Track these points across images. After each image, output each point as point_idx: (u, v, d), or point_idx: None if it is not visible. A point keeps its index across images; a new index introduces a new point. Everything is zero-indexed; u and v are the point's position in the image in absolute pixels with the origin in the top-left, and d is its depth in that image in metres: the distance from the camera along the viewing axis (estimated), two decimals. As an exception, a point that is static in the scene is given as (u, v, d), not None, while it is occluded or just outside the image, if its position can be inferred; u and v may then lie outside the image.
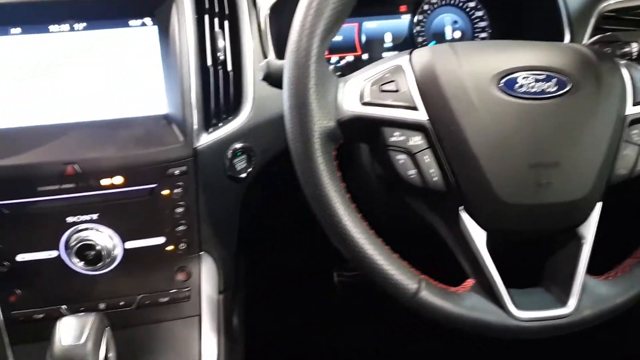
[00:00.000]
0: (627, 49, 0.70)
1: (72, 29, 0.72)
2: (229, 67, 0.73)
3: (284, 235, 1.12)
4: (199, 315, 0.76)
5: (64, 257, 0.70)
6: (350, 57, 0.89)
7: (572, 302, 0.55)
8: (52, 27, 0.71)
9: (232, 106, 0.73)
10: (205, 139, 0.71)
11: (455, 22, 0.90)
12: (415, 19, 0.89)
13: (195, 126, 0.70)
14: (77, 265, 0.70)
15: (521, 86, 0.53)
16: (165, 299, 0.75)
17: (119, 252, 0.72)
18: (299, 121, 0.52)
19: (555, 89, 0.53)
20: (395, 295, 0.54)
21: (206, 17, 0.72)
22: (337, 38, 0.89)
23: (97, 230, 0.70)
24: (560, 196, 0.54)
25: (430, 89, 0.53)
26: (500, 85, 0.53)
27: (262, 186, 0.80)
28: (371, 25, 0.89)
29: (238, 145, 0.73)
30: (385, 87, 0.54)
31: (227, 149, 0.73)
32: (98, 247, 0.69)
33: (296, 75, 0.52)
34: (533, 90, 0.52)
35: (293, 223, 1.09)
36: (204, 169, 0.72)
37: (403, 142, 0.53)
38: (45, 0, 0.69)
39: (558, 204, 0.54)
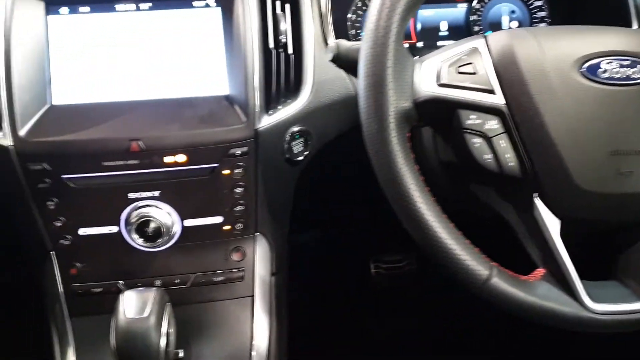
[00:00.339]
0: None
1: (137, 9, 0.73)
2: (290, 50, 0.74)
3: (328, 221, 1.12)
4: (252, 296, 0.77)
5: (124, 232, 0.72)
6: (405, 45, 0.88)
7: None
8: (118, 6, 0.72)
9: (292, 89, 0.74)
10: (266, 121, 0.71)
11: (513, 11, 0.89)
12: (472, 8, 0.88)
13: (258, 108, 0.71)
14: (137, 241, 0.71)
15: (605, 71, 0.52)
16: (220, 279, 0.76)
17: (177, 230, 0.72)
18: (375, 100, 0.52)
19: None
20: (465, 281, 0.53)
21: (268, 0, 0.73)
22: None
23: (157, 207, 0.71)
24: None
25: (508, 72, 0.53)
26: (582, 70, 0.52)
27: (315, 171, 0.80)
28: (427, 13, 0.89)
29: (296, 129, 0.74)
30: (463, 69, 0.53)
31: (286, 131, 0.73)
32: (158, 224, 0.70)
33: (374, 53, 0.52)
34: (617, 76, 0.52)
35: (338, 209, 1.10)
36: (264, 150, 0.72)
37: (479, 126, 0.53)
38: None
39: (638, 194, 0.53)
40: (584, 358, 1.13)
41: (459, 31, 0.89)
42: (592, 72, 0.52)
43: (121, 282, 0.75)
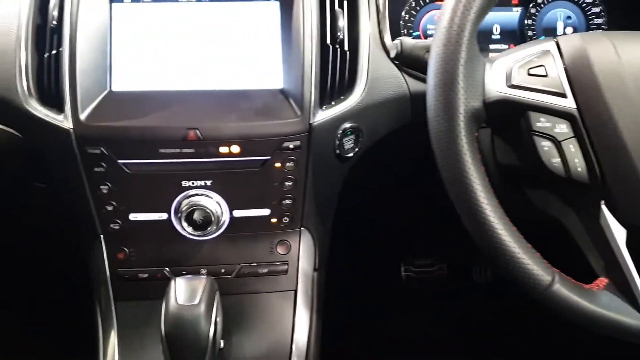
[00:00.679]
0: None
1: (199, 0, 0.73)
2: (346, 47, 0.74)
3: (362, 221, 1.12)
4: (295, 291, 0.77)
5: (173, 220, 0.72)
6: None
7: None
8: None
9: (346, 86, 0.74)
10: (320, 116, 0.72)
11: (569, 17, 0.88)
12: (527, 12, 0.87)
13: (313, 103, 0.71)
14: (186, 229, 0.72)
15: None
16: (264, 271, 0.77)
17: (225, 220, 0.73)
18: (445, 99, 0.51)
19: None
20: (527, 285, 0.52)
21: None
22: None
23: (208, 196, 0.72)
24: None
25: (581, 76, 0.52)
26: None
27: (362, 169, 0.80)
28: (481, 15, 0.88)
29: (348, 125, 0.74)
30: (533, 71, 0.53)
31: (338, 127, 0.73)
32: (208, 213, 0.71)
33: (447, 51, 0.51)
34: None
35: (375, 209, 1.10)
36: (316, 145, 0.72)
37: (549, 129, 0.52)
38: None
39: None
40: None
41: (512, 35, 0.88)
42: None
43: (167, 269, 0.76)
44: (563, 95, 0.52)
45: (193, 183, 0.71)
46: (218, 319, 0.66)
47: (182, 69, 0.73)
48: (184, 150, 0.69)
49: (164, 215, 0.73)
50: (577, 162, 0.52)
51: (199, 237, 0.73)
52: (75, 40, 0.68)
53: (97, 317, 0.77)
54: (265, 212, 0.74)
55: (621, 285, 0.53)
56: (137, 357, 0.75)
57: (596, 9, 0.87)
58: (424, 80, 0.76)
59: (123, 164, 0.69)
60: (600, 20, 0.87)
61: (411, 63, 0.64)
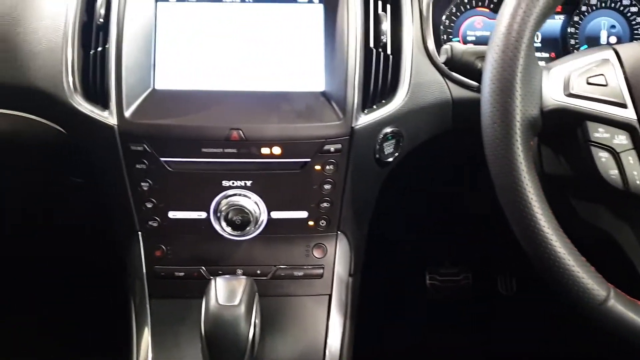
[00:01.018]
0: None
1: (243, 1, 0.74)
2: (389, 51, 0.73)
3: (389, 228, 1.12)
4: (329, 295, 0.77)
5: (212, 219, 0.72)
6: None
7: None
8: None
9: (388, 90, 0.73)
10: (362, 120, 0.71)
11: (613, 26, 0.86)
12: (571, 20, 0.86)
13: (355, 106, 0.70)
14: (225, 229, 0.72)
15: None
16: (300, 274, 0.76)
17: (263, 221, 0.73)
18: (502, 106, 0.51)
19: None
20: (580, 300, 0.51)
21: (371, 0, 0.73)
22: (486, 33, 0.87)
23: (247, 196, 0.72)
24: None
25: None
26: None
27: (400, 173, 0.79)
28: (522, 23, 0.87)
29: (389, 130, 0.73)
30: (593, 80, 0.52)
31: (380, 131, 0.73)
32: (247, 213, 0.71)
33: (504, 57, 0.50)
34: None
35: (406, 214, 1.09)
36: (356, 149, 0.72)
37: (608, 140, 0.51)
38: None
39: None
40: None
41: (554, 44, 0.87)
42: None
43: (204, 268, 0.76)
44: (623, 106, 0.51)
45: (233, 183, 0.71)
46: (257, 321, 0.65)
47: (224, 69, 0.73)
48: (226, 150, 0.69)
49: (203, 214, 0.73)
50: (636, 175, 0.51)
51: (237, 237, 0.73)
52: (122, 38, 0.68)
53: (131, 314, 0.77)
54: (303, 214, 0.74)
55: None
56: (170, 354, 0.75)
57: (642, 19, 0.85)
58: (467, 87, 0.76)
59: (165, 161, 0.70)
60: (645, 30, 0.86)
61: (461, 69, 0.63)
